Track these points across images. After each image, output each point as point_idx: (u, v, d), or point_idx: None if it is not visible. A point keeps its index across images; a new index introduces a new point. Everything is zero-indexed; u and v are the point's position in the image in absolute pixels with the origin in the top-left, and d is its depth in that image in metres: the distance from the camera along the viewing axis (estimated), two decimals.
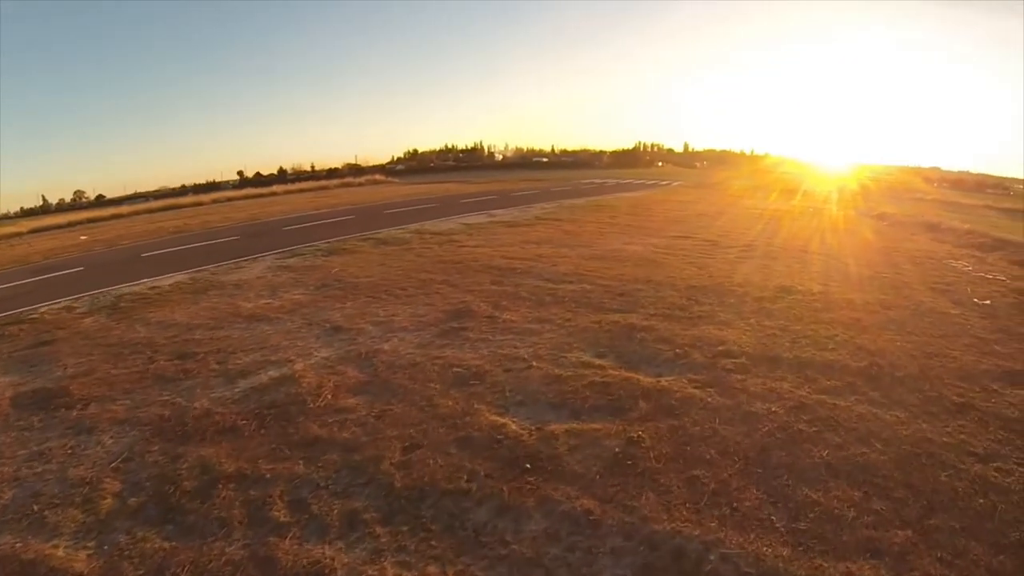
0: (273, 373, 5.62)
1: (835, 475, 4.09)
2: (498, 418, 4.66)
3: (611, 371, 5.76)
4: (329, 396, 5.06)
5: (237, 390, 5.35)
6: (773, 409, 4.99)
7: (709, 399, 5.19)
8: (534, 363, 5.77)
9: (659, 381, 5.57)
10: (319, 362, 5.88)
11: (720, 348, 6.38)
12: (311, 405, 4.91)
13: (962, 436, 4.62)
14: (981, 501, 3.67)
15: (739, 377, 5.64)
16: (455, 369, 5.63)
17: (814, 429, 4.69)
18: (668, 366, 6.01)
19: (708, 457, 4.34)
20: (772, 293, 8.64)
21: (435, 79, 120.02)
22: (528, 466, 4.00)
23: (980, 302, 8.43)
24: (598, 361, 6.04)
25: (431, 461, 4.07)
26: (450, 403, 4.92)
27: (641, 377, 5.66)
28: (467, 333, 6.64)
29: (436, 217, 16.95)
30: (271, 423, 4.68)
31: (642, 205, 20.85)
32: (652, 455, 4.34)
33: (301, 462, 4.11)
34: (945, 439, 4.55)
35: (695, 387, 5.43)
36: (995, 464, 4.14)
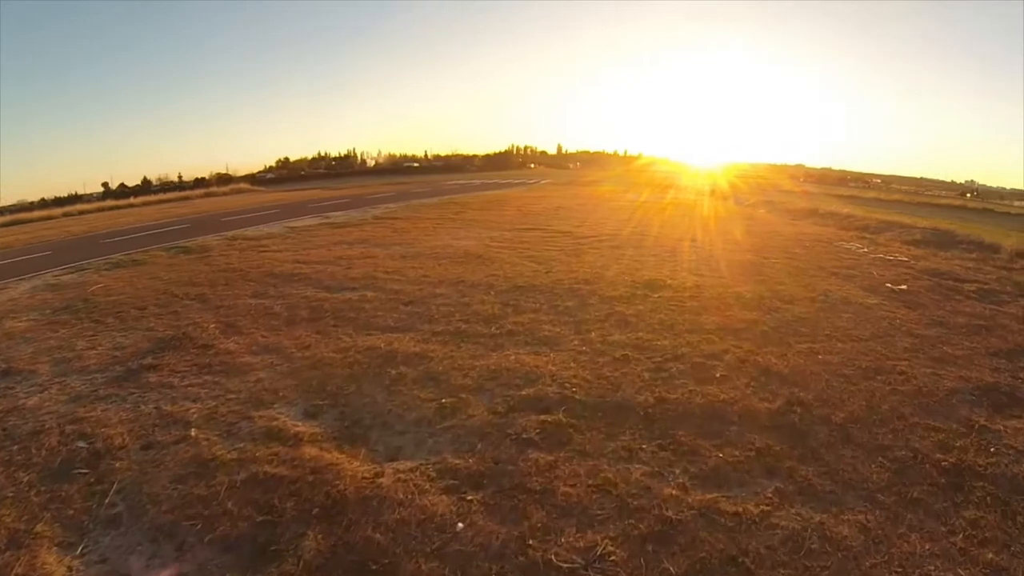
0: None
1: None
2: (54, 559, 2.63)
3: (306, 448, 3.19)
4: None
5: None
6: (606, 550, 2.18)
7: (462, 523, 2.31)
8: (195, 432, 3.68)
9: (381, 473, 2.72)
10: None
11: (525, 392, 3.59)
12: None
13: (989, 555, 2.28)
14: None
15: (543, 459, 2.82)
16: (78, 444, 3.69)
17: None
18: (417, 434, 3.18)
19: None
20: (631, 291, 6.22)
21: (314, 89, 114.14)
22: None
23: (896, 287, 6.77)
24: (299, 426, 3.53)
25: None
26: (12, 517, 2.92)
27: (353, 464, 2.84)
28: (151, 376, 4.76)
29: (267, 222, 15.56)
30: None
31: (498, 201, 18.67)
32: None
33: None
34: None
35: (445, 489, 2.56)
36: None
